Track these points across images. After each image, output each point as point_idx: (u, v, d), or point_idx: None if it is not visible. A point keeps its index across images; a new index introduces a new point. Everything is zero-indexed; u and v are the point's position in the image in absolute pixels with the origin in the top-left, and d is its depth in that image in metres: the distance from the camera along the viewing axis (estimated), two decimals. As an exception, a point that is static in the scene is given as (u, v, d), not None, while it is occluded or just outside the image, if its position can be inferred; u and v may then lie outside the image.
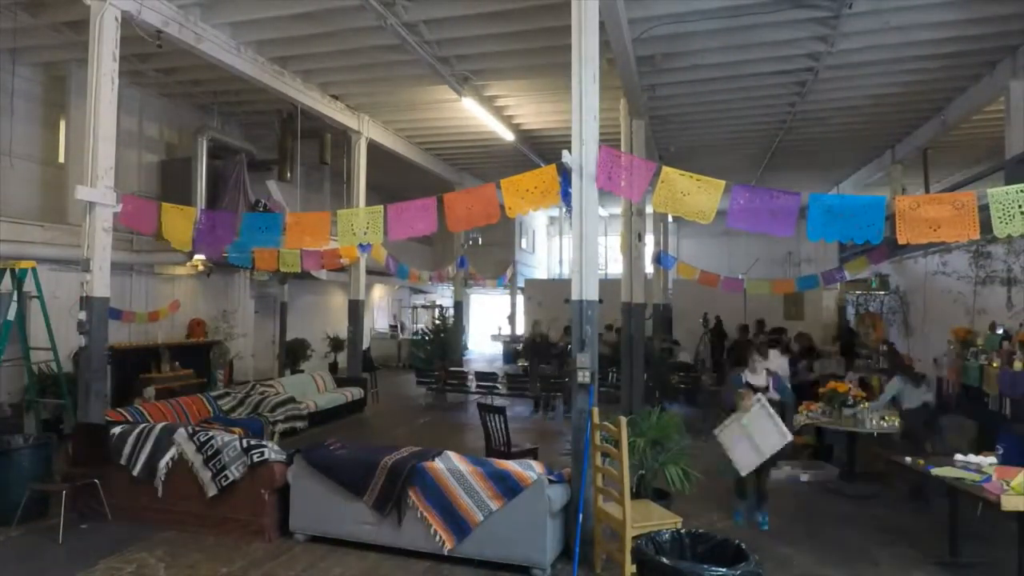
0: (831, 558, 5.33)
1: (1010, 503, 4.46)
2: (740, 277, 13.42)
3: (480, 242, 21.30)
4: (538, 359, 13.34)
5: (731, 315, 17.75)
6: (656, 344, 14.11)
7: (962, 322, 9.22)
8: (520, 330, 23.14)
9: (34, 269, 7.64)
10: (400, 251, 15.66)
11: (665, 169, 5.25)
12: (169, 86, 11.66)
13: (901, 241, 4.56)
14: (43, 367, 8.46)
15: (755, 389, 6.17)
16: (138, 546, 5.37)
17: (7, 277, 7.46)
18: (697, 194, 5.11)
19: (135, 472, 5.87)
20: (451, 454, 5.43)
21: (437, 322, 15.91)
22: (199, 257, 10.88)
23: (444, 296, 23.95)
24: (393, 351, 20.42)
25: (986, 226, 4.34)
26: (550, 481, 5.07)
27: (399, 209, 6.07)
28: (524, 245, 26.50)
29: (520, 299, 23.40)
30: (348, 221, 6.27)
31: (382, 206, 6.16)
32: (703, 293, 16.20)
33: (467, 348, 22.25)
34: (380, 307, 22.38)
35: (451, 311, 18.55)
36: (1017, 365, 7.14)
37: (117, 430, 6.15)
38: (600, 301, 5.63)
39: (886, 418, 7.09)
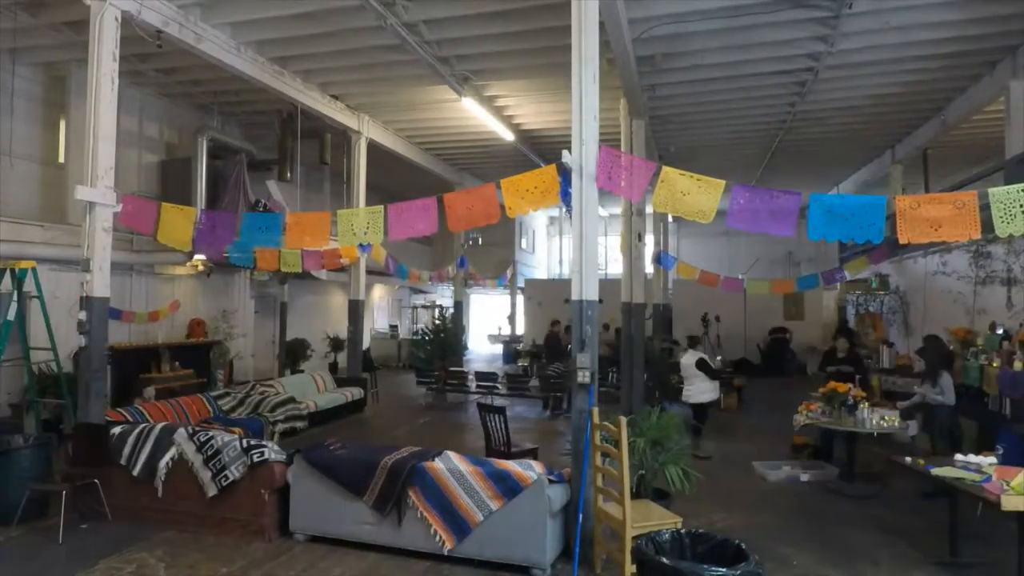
0: (831, 558, 5.33)
1: (1010, 503, 4.45)
2: (740, 277, 13.44)
3: (480, 242, 21.31)
4: (555, 358, 13.25)
5: (731, 315, 17.80)
6: (656, 344, 14.10)
7: (962, 322, 9.23)
8: (520, 330, 23.16)
9: (34, 269, 7.64)
10: (400, 251, 15.67)
11: (665, 169, 5.25)
12: (169, 86, 11.67)
13: (902, 241, 4.56)
14: (43, 367, 8.46)
15: None
16: (138, 546, 5.36)
17: (7, 277, 7.45)
18: (697, 194, 5.11)
19: (135, 472, 5.87)
20: (451, 454, 5.43)
21: (437, 322, 15.91)
22: (199, 257, 10.89)
23: (444, 296, 23.95)
24: (393, 351, 20.42)
25: (987, 225, 4.34)
26: (550, 481, 5.07)
27: (399, 209, 6.07)
28: (524, 245, 26.51)
29: (520, 299, 23.41)
30: (348, 221, 6.26)
31: (382, 206, 6.16)
32: (703, 293, 16.24)
33: (467, 348, 22.25)
34: (380, 307, 22.38)
35: (451, 311, 18.56)
36: (1017, 365, 7.14)
37: (117, 430, 6.15)
38: (600, 301, 5.63)
39: (886, 418, 7.09)
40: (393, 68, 10.17)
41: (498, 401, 11.38)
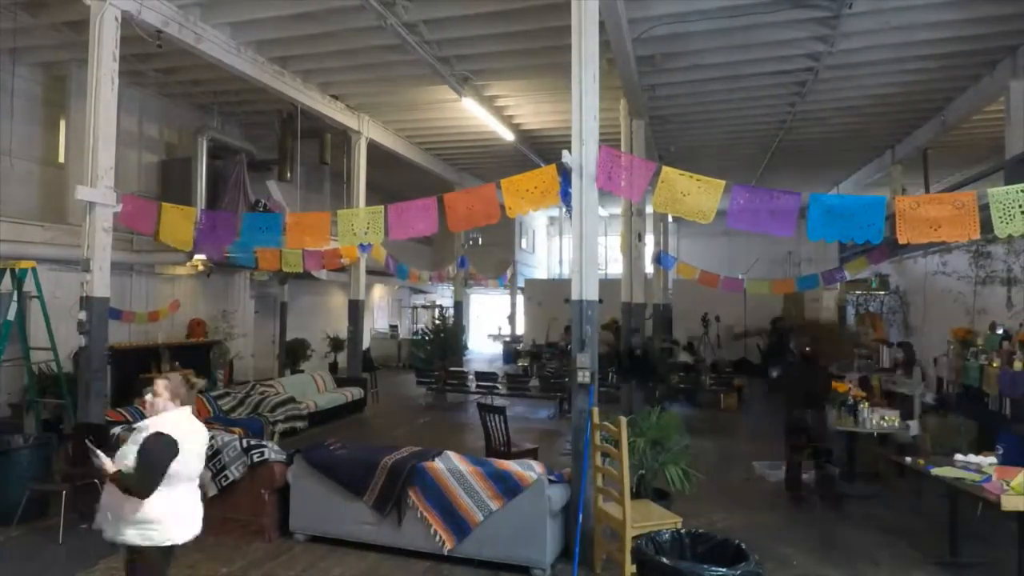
0: (831, 558, 5.33)
1: (1010, 503, 4.46)
2: (740, 277, 13.44)
3: (480, 242, 21.29)
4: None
5: (731, 315, 17.80)
6: (656, 344, 14.10)
7: (962, 322, 9.21)
8: (520, 330, 23.16)
9: (34, 269, 7.64)
10: (400, 251, 15.67)
11: (665, 169, 5.25)
12: (169, 86, 11.66)
13: (901, 241, 4.56)
14: (43, 367, 8.46)
15: None
16: (138, 546, 5.36)
17: (7, 277, 7.45)
18: (697, 194, 5.11)
19: (135, 472, 5.87)
20: (451, 454, 5.43)
21: (437, 322, 15.91)
22: (199, 257, 10.88)
23: (444, 296, 23.95)
24: (393, 351, 20.42)
25: (986, 226, 4.34)
26: (550, 481, 5.07)
27: (399, 209, 6.07)
28: (524, 245, 26.50)
29: (520, 299, 23.41)
30: (348, 221, 6.26)
31: (382, 206, 6.16)
32: (703, 293, 16.23)
33: (467, 348, 22.25)
34: (380, 307, 22.38)
35: (451, 311, 18.55)
36: (1017, 365, 7.13)
37: (117, 430, 6.15)
38: (600, 301, 5.63)
39: (886, 418, 7.09)
40: (393, 68, 10.17)
41: (498, 401, 11.38)
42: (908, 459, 5.61)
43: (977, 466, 5.12)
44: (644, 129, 11.09)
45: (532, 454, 7.00)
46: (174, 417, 3.37)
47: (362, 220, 6.20)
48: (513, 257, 24.11)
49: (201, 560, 5.11)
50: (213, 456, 5.70)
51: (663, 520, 4.80)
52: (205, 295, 13.29)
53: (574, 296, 5.46)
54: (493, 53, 9.58)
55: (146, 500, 3.20)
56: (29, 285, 7.64)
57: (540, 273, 27.75)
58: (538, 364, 15.51)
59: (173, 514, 3.33)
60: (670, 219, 20.89)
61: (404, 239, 6.88)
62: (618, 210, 14.24)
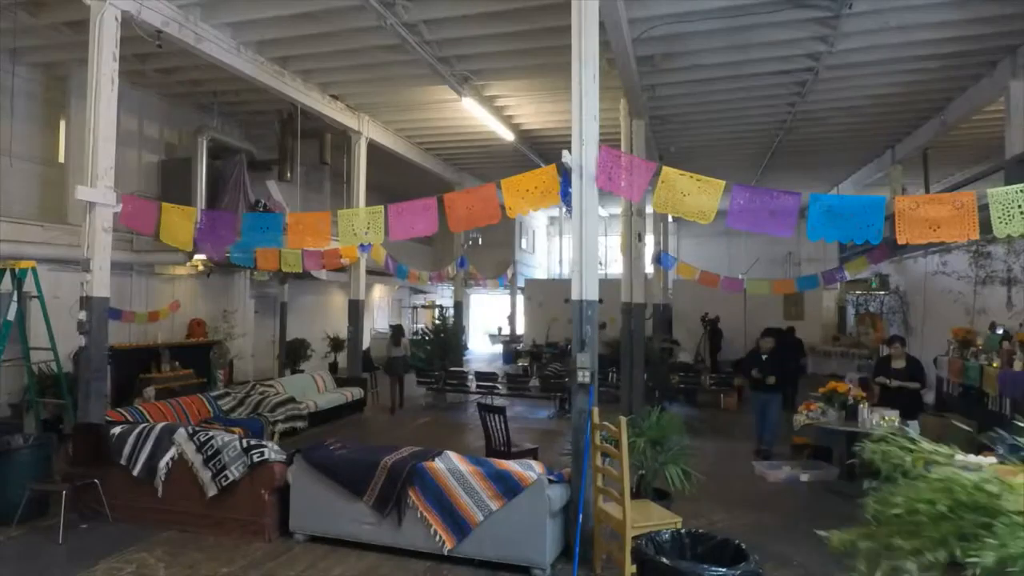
0: (831, 558, 5.31)
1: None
2: (740, 277, 13.44)
3: (480, 242, 21.30)
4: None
5: (731, 315, 17.80)
6: (656, 344, 14.11)
7: (962, 322, 9.23)
8: (520, 330, 23.15)
9: (34, 269, 7.64)
10: (400, 251, 15.68)
11: (665, 169, 5.25)
12: (169, 86, 11.66)
13: (901, 241, 4.57)
14: (43, 367, 8.47)
15: None
16: (138, 546, 5.37)
17: (7, 277, 7.46)
18: (697, 194, 5.11)
19: (135, 472, 5.87)
20: (451, 454, 5.43)
21: (437, 322, 15.91)
22: (199, 257, 10.89)
23: (444, 296, 23.95)
24: (393, 351, 20.37)
25: (986, 226, 4.34)
26: (550, 481, 5.07)
27: (399, 209, 6.07)
28: (524, 245, 26.50)
29: (520, 299, 23.41)
30: (348, 221, 6.27)
31: (382, 206, 6.16)
32: (703, 293, 16.24)
33: (467, 348, 22.25)
34: (380, 307, 22.38)
35: (451, 311, 18.55)
36: (1017, 365, 7.14)
37: (117, 430, 6.15)
38: (600, 301, 5.63)
39: (886, 418, 7.09)
40: (393, 68, 10.17)
41: (498, 401, 11.38)
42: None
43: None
44: (644, 129, 11.09)
45: (532, 454, 7.00)
46: None
47: (362, 220, 6.20)
48: (513, 257, 24.11)
49: (201, 560, 5.12)
50: (213, 456, 5.71)
51: (663, 520, 4.80)
52: (205, 295, 13.29)
53: (574, 296, 5.46)
54: (493, 53, 9.58)
55: None
56: (29, 285, 7.64)
57: (540, 273, 27.75)
58: (538, 364, 15.51)
59: None
60: (670, 219, 20.90)
61: (404, 239, 6.88)
62: (618, 210, 14.25)
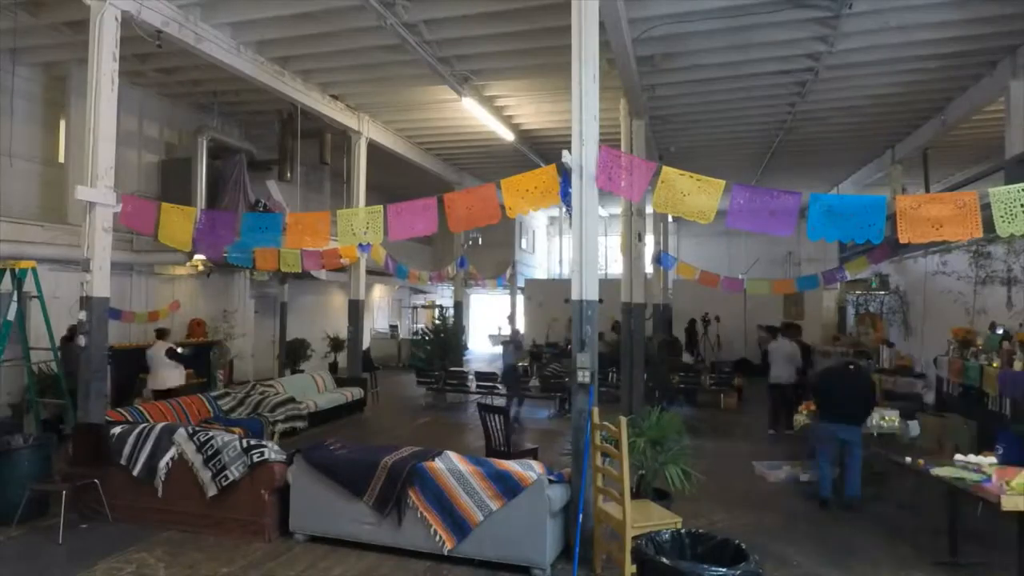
0: (831, 558, 5.33)
1: (1010, 503, 4.46)
2: (740, 277, 13.42)
3: (480, 242, 21.31)
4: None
5: (731, 315, 17.80)
6: (656, 344, 14.10)
7: (962, 322, 9.21)
8: (520, 330, 23.12)
9: (34, 269, 7.64)
10: (400, 251, 15.68)
11: (665, 169, 5.25)
12: (169, 86, 11.67)
13: (903, 240, 4.56)
14: (43, 367, 8.46)
15: None
16: (138, 546, 5.37)
17: (7, 277, 7.45)
18: (697, 194, 5.11)
19: (135, 472, 5.87)
20: (451, 454, 5.43)
21: (437, 322, 15.91)
22: (199, 257, 10.89)
23: (444, 296, 23.94)
24: (393, 351, 20.42)
25: (988, 225, 4.34)
26: (550, 481, 5.07)
27: (399, 209, 6.07)
28: (524, 245, 26.50)
29: (520, 299, 23.40)
30: (348, 221, 6.26)
31: (382, 206, 6.16)
32: (703, 293, 16.23)
33: (467, 348, 22.25)
34: (380, 307, 22.39)
35: (451, 311, 18.55)
36: (1017, 365, 7.12)
37: (117, 430, 6.15)
38: (600, 301, 5.63)
39: (886, 418, 7.09)
40: (393, 68, 10.17)
41: (498, 401, 11.38)
42: (908, 459, 5.60)
43: (977, 466, 5.12)
44: (644, 129, 11.09)
45: (532, 454, 7.00)
46: None
47: (362, 220, 6.19)
48: (513, 257, 24.11)
49: (201, 560, 5.12)
50: (213, 456, 5.71)
51: (663, 520, 4.79)
52: (205, 295, 13.29)
53: (574, 296, 5.45)
54: (493, 53, 9.58)
55: None
56: (29, 285, 7.64)
57: (540, 273, 27.74)
58: (538, 364, 15.49)
59: None
60: (670, 219, 20.90)
61: (404, 239, 6.88)
62: (618, 210, 14.24)
